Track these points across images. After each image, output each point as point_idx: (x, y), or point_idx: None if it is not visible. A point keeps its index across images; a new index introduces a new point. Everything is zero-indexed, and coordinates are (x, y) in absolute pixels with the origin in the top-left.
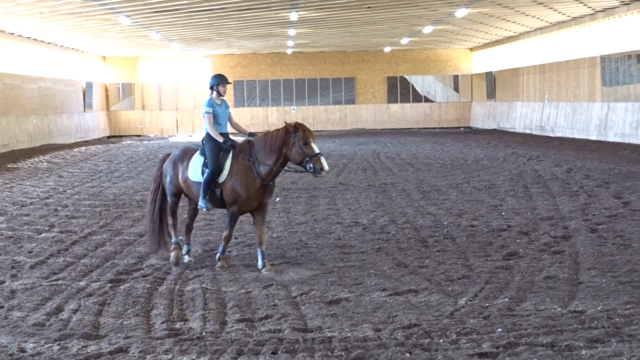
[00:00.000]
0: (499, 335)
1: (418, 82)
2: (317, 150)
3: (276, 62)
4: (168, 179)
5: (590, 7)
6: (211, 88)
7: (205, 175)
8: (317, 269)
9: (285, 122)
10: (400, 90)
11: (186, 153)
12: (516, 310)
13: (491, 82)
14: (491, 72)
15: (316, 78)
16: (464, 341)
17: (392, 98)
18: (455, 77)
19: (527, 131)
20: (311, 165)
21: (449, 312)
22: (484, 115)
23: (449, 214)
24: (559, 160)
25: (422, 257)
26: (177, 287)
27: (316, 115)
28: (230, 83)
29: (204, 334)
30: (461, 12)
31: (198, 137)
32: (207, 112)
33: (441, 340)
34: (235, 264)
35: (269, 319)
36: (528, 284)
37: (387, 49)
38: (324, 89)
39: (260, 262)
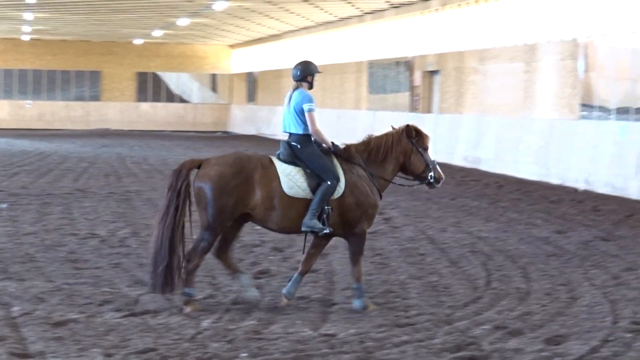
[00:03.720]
0: None
1: (172, 79)
2: (432, 157)
3: (9, 49)
4: (230, 200)
5: (358, 9)
6: (303, 79)
7: (323, 187)
8: (43, 286)
9: (407, 125)
10: (152, 88)
11: (257, 161)
12: (264, 333)
13: (252, 84)
14: (252, 72)
15: (56, 70)
16: None
17: (142, 96)
18: (213, 76)
19: None
20: (432, 175)
21: (190, 336)
22: (243, 119)
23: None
24: None
25: None
26: None
27: (55, 112)
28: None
29: None
30: (220, 5)
31: None
32: (311, 109)
33: None
34: None
35: None
36: (278, 305)
37: (137, 41)
38: (64, 83)
39: (358, 302)
